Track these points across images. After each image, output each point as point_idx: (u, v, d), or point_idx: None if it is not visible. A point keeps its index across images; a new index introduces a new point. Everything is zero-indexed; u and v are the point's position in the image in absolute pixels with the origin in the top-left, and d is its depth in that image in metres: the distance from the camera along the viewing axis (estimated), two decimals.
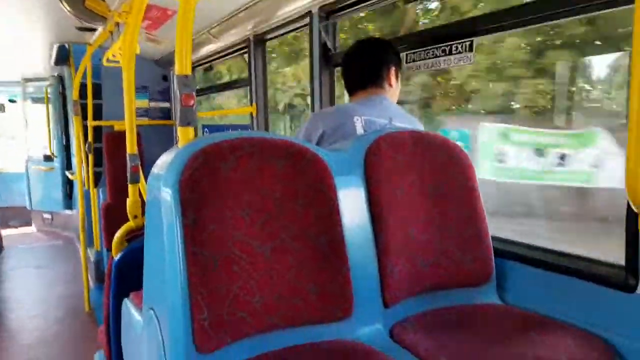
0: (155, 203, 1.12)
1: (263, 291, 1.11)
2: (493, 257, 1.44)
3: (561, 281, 1.32)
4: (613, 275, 1.22)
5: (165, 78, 4.49)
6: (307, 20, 2.25)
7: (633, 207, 0.99)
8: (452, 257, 1.40)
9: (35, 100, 7.00)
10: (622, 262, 1.20)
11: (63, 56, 4.24)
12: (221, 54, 3.38)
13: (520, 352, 1.09)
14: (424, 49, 1.75)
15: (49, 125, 6.31)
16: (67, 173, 5.69)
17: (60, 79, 5.64)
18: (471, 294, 1.42)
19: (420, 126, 1.70)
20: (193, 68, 4.06)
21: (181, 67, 1.14)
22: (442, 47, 1.67)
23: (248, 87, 3.04)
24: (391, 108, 1.65)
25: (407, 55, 1.82)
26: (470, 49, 1.58)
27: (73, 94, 3.57)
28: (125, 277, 1.67)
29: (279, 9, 2.33)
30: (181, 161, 1.08)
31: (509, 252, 1.49)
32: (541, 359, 1.06)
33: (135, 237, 1.79)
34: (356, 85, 1.71)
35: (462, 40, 1.60)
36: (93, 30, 3.32)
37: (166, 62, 4.18)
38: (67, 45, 4.12)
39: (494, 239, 1.49)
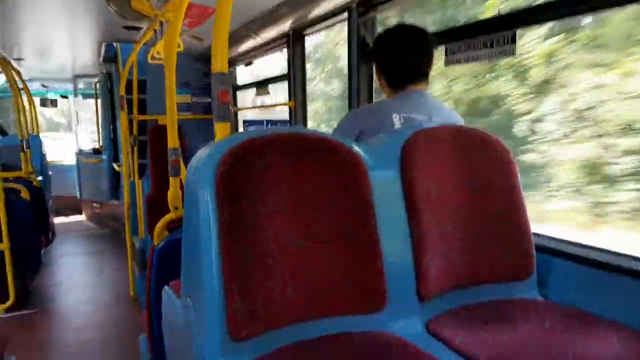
0: (193, 196, 1.16)
1: (297, 285, 1.12)
2: (534, 253, 1.40)
3: (606, 278, 1.27)
4: None
5: (207, 74, 4.60)
6: (345, 15, 2.25)
7: None
8: (490, 251, 1.37)
9: (85, 96, 7.35)
10: None
11: (111, 54, 4.42)
12: (260, 50, 3.42)
13: (562, 349, 1.06)
14: (465, 41, 1.71)
15: (97, 120, 6.60)
16: (114, 165, 5.95)
17: (109, 76, 5.88)
18: (511, 289, 1.39)
19: (460, 120, 1.66)
20: (232, 64, 4.13)
21: (217, 64, 1.17)
22: (484, 40, 1.63)
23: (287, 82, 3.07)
24: (430, 103, 1.61)
25: (446, 48, 1.78)
26: (513, 41, 1.54)
27: (120, 90, 3.72)
28: (166, 265, 1.72)
29: (319, 3, 2.34)
30: (217, 156, 1.10)
31: (550, 248, 1.45)
32: (584, 356, 1.02)
33: (177, 227, 1.85)
34: (406, 80, 1.58)
35: (504, 32, 1.55)
36: (139, 29, 3.45)
37: (207, 58, 4.25)
38: (114, 44, 4.30)
39: (536, 235, 1.45)
